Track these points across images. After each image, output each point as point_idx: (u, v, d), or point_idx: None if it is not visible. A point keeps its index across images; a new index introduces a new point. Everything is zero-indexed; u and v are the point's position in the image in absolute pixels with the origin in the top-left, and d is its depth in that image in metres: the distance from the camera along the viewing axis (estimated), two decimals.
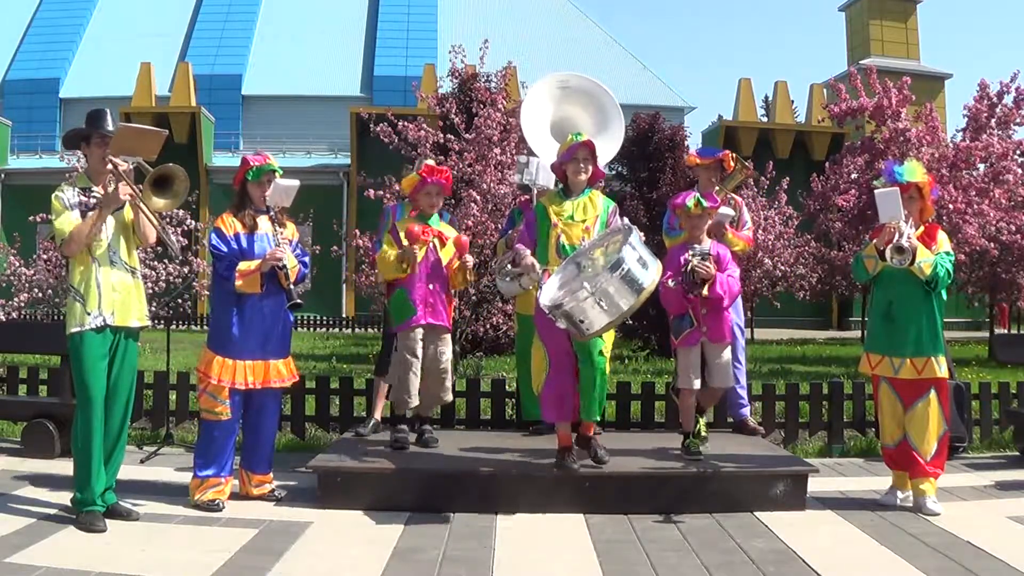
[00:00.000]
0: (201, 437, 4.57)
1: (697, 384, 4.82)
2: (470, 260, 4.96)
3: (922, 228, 4.63)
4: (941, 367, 4.56)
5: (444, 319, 4.92)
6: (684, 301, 4.79)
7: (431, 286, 4.87)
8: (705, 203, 4.87)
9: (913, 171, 4.65)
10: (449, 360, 4.96)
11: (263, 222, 4.55)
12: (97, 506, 4.05)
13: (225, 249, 4.44)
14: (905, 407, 4.60)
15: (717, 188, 5.65)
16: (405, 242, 4.78)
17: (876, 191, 4.57)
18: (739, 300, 5.73)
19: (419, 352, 4.83)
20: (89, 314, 4.05)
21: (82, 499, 4.03)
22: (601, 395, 4.55)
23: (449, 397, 5.12)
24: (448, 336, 4.97)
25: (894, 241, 4.38)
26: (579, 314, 3.96)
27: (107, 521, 4.05)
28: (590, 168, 4.73)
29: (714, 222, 5.43)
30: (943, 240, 4.65)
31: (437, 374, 4.93)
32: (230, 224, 4.50)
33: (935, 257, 4.50)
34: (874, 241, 4.60)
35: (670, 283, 4.74)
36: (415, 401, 4.88)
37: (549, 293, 4.21)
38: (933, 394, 4.55)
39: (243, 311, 4.44)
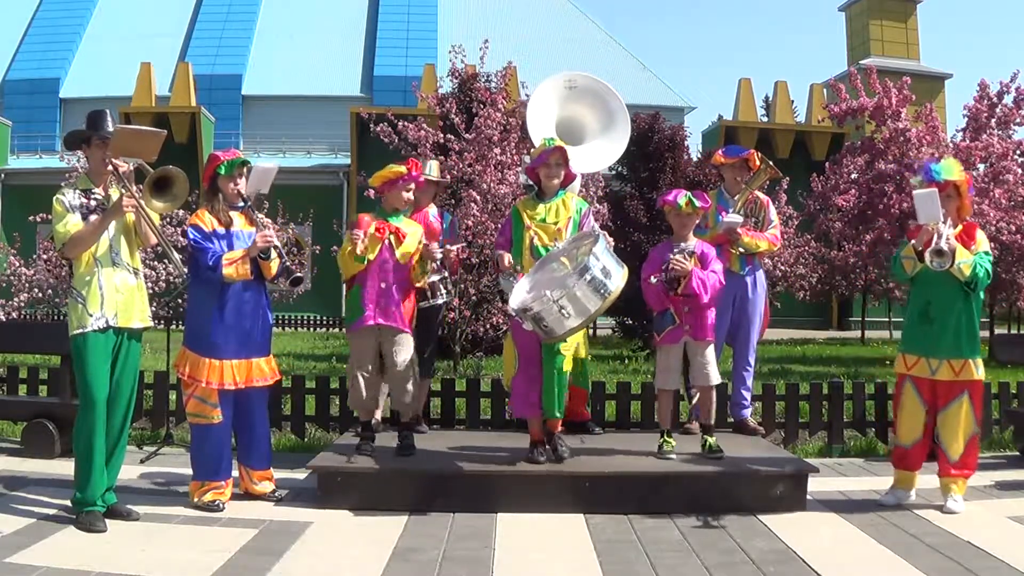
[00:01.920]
0: (194, 443, 4.48)
1: (675, 385, 4.94)
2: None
3: (960, 227, 4.54)
4: (978, 369, 4.51)
5: (397, 320, 4.70)
6: (665, 299, 4.84)
7: (382, 284, 4.68)
8: (697, 203, 4.88)
9: (951, 169, 4.56)
10: (406, 363, 4.71)
11: (237, 218, 4.48)
12: (98, 506, 4.05)
13: (207, 243, 4.35)
14: (938, 408, 4.55)
15: (744, 186, 5.66)
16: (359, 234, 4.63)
17: (915, 192, 4.49)
18: (759, 303, 5.70)
19: (367, 355, 4.72)
20: (92, 315, 4.04)
21: (82, 499, 4.03)
22: (560, 393, 4.62)
23: (416, 404, 4.90)
24: (403, 337, 4.73)
25: (933, 244, 4.28)
26: (544, 319, 4.10)
27: (107, 521, 4.05)
28: (562, 173, 4.88)
29: (725, 228, 5.44)
30: (982, 239, 4.56)
31: (394, 378, 4.76)
32: (208, 221, 4.42)
33: (974, 258, 4.41)
34: (912, 242, 4.51)
35: (652, 280, 4.81)
36: (371, 404, 4.83)
37: (518, 297, 4.34)
38: (967, 397, 4.50)
39: (224, 310, 4.37)
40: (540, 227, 4.79)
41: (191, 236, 4.38)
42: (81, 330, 4.04)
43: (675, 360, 4.92)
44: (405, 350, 4.74)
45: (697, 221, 5.02)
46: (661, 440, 4.92)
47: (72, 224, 4.03)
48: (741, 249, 5.56)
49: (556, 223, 4.79)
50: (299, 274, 4.53)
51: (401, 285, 4.76)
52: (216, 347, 4.36)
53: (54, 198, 4.10)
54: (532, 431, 4.72)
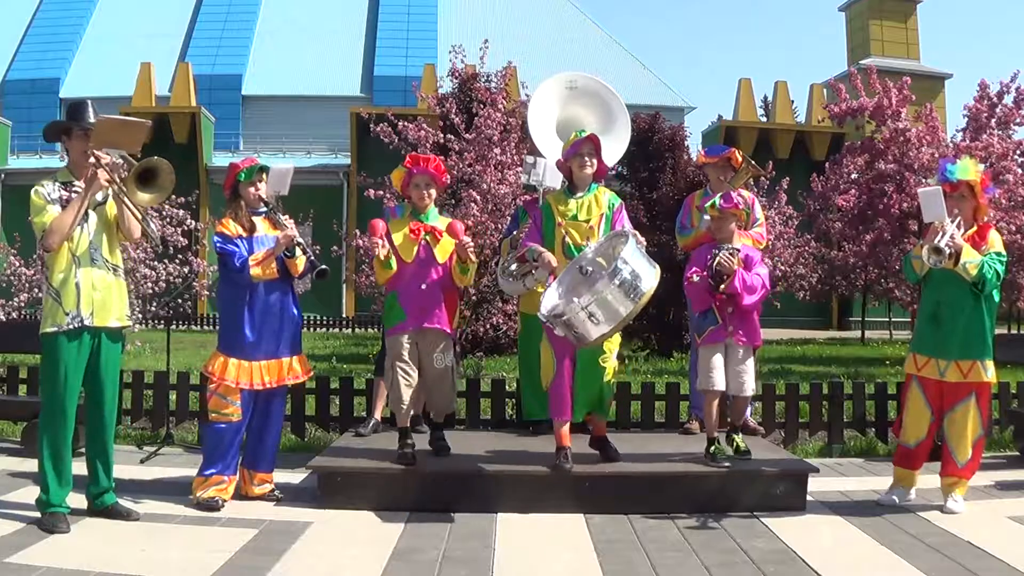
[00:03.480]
0: (208, 437, 4.49)
1: (721, 385, 4.66)
2: (469, 241, 4.60)
3: (975, 227, 4.53)
4: (988, 371, 4.49)
5: (439, 322, 4.60)
6: (708, 297, 4.70)
7: (423, 286, 4.58)
8: (718, 202, 4.80)
9: (965, 169, 4.54)
10: (448, 367, 4.65)
11: (260, 223, 4.51)
12: (62, 508, 3.98)
13: (232, 246, 4.38)
14: (944, 409, 4.54)
15: (727, 185, 5.64)
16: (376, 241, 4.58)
17: (920, 190, 4.51)
18: None
19: (407, 358, 4.57)
20: (68, 314, 3.93)
21: (46, 501, 3.96)
22: (604, 395, 4.61)
23: (452, 406, 4.87)
24: (445, 339, 4.64)
25: (932, 241, 4.27)
26: (576, 325, 4.01)
27: (107, 521, 4.05)
28: (595, 162, 4.73)
29: (706, 226, 5.44)
30: (995, 240, 4.53)
31: (435, 382, 4.66)
32: (232, 228, 4.46)
33: (983, 258, 4.37)
34: (921, 241, 4.50)
35: (695, 278, 4.70)
36: (409, 409, 4.67)
37: (550, 301, 4.24)
38: (974, 399, 4.49)
39: (253, 311, 4.39)
40: (572, 225, 4.66)
41: (216, 243, 4.42)
42: (55, 329, 3.93)
43: (718, 360, 4.69)
44: (447, 353, 4.64)
45: (733, 223, 4.85)
46: (713, 448, 4.64)
47: (52, 215, 3.92)
48: None
49: (588, 220, 4.66)
50: (324, 265, 4.50)
51: (443, 285, 4.64)
52: (245, 349, 4.39)
53: (32, 191, 3.98)
54: (560, 435, 4.50)
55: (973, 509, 4.52)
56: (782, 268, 17.02)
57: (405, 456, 4.56)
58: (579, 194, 4.74)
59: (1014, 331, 22.50)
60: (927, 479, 4.74)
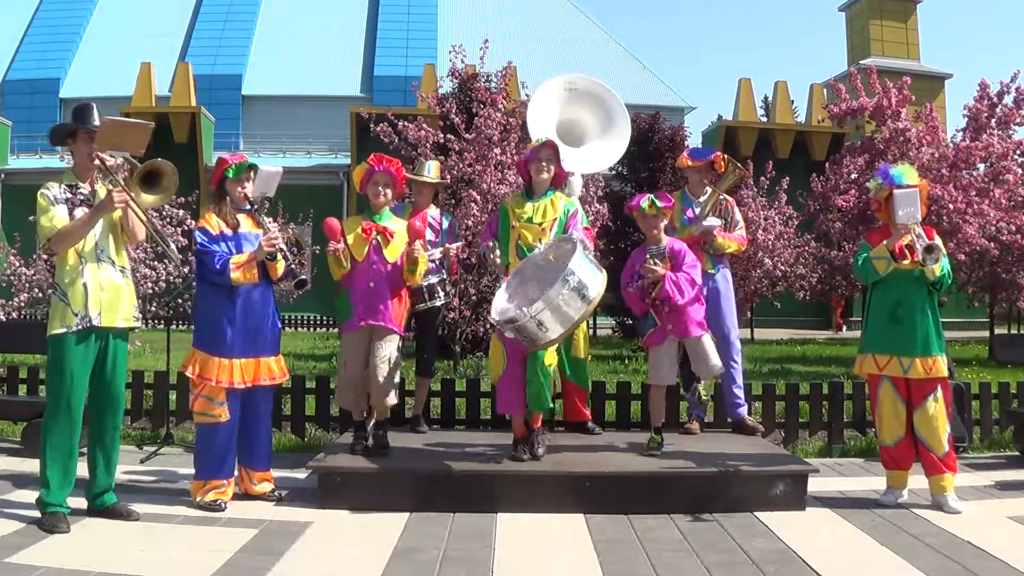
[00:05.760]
0: (200, 441, 4.46)
1: (667, 381, 5.04)
2: (419, 248, 4.68)
3: None
4: (945, 366, 4.61)
5: (385, 320, 4.69)
6: (643, 304, 4.93)
7: (371, 284, 4.69)
8: (659, 203, 4.90)
9: (909, 175, 4.69)
10: (386, 359, 4.66)
11: (244, 221, 4.49)
12: (62, 508, 3.98)
13: (214, 246, 4.35)
14: (914, 406, 4.60)
15: (709, 190, 5.70)
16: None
17: (897, 191, 4.56)
18: (731, 299, 5.75)
19: (354, 356, 4.73)
20: (76, 315, 3.94)
21: (46, 501, 3.97)
22: (544, 389, 4.59)
23: (390, 400, 4.73)
24: (389, 335, 4.70)
25: (922, 242, 4.41)
26: (526, 331, 4.16)
27: (107, 521, 4.05)
28: (552, 168, 4.95)
29: (702, 231, 5.50)
30: (939, 243, 4.68)
31: (371, 373, 4.67)
32: (215, 224, 4.42)
33: (942, 259, 4.54)
34: (885, 242, 4.58)
35: (629, 288, 4.92)
36: (360, 404, 4.82)
37: (498, 306, 4.40)
38: (940, 393, 4.57)
39: (233, 309, 4.36)
40: (525, 227, 4.89)
41: (198, 239, 4.37)
42: (64, 330, 3.93)
43: (666, 357, 5.01)
44: (386, 348, 4.71)
45: (664, 222, 5.02)
46: (650, 438, 4.98)
47: (58, 219, 3.93)
48: (711, 250, 5.64)
49: (541, 223, 4.88)
50: (303, 276, 4.52)
51: (390, 284, 4.75)
52: (225, 346, 4.35)
53: (38, 193, 3.99)
54: (515, 428, 4.76)
55: (973, 509, 4.53)
56: (782, 268, 17.02)
57: (356, 448, 4.76)
58: (536, 198, 4.96)
59: (1014, 331, 22.48)
60: (924, 479, 4.74)
